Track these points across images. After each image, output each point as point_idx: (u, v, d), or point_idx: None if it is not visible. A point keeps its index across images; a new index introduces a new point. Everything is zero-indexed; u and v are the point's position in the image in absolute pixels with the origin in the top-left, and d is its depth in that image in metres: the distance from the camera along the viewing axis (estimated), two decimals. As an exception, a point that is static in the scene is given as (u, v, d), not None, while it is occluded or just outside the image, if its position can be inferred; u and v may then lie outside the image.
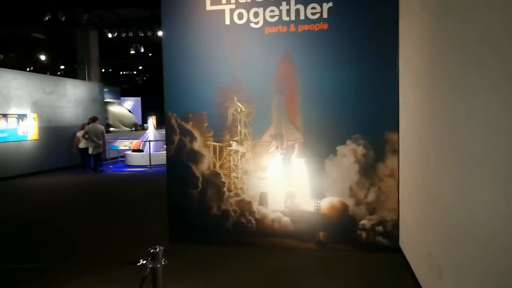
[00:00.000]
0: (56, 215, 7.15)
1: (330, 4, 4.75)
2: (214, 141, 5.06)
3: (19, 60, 21.48)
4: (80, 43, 15.47)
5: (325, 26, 4.77)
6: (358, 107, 4.66)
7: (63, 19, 12.47)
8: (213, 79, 5.03)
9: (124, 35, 13.88)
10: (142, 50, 15.14)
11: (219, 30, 5.02)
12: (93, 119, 12.46)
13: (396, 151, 4.63)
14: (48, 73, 21.25)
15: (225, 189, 5.04)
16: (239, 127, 4.97)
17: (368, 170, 4.68)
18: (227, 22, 5.00)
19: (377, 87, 4.64)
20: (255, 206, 4.97)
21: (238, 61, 4.96)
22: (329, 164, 4.74)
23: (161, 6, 5.17)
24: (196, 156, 5.11)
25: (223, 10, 5.01)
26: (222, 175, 5.04)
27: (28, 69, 21.50)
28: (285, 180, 4.86)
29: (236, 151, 4.99)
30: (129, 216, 7.03)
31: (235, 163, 5.01)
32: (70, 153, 13.93)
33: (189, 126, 5.10)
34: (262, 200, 4.95)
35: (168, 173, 5.26)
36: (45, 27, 15.83)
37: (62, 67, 22.49)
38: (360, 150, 4.67)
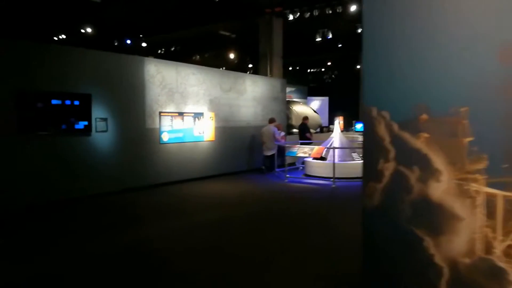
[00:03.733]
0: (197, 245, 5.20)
1: None
2: (488, 185, 1.99)
3: (213, 60, 21.89)
4: (262, 34, 14.01)
5: None
6: None
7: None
8: (491, 24, 1.96)
9: (308, 14, 11.54)
10: (330, 36, 12.60)
11: None
12: (269, 121, 12.16)
13: None
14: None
15: (517, 314, 1.91)
16: None
17: None
18: None
19: None
20: None
21: None
22: None
23: None
24: (436, 216, 2.13)
25: None
26: (509, 274, 1.92)
27: (221, 69, 21.79)
28: None
29: None
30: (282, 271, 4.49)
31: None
32: (247, 156, 12.56)
33: (419, 142, 2.16)
34: None
35: (366, 243, 2.44)
36: (230, 22, 15.01)
37: (250, 65, 22.12)
38: None
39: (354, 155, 11.87)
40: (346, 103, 28.29)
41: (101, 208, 7.77)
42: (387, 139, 2.21)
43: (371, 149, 2.29)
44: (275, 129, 12.14)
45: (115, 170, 8.99)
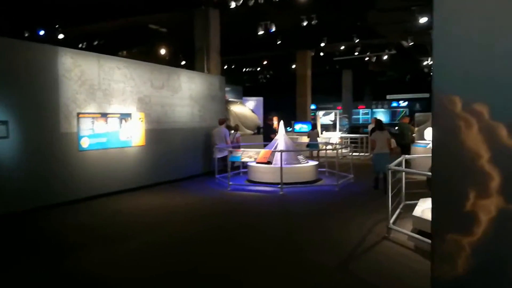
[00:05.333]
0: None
1: None
2: None
3: (141, 56, 20.11)
4: (198, 27, 12.72)
5: None
6: None
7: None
8: None
9: (252, 2, 10.38)
10: (274, 29, 11.60)
11: None
12: (219, 122, 11.71)
13: None
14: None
15: None
16: None
17: None
18: None
19: None
20: None
21: None
22: None
23: None
24: None
25: None
26: None
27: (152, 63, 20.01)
28: None
29: None
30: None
31: None
32: (185, 161, 11.25)
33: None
34: None
35: None
36: (161, 13, 13.54)
37: (183, 62, 20.65)
38: None
39: (300, 158, 11.08)
40: (281, 104, 27.91)
41: (8, 234, 6.07)
42: (484, 154, 1.21)
43: (449, 173, 1.27)
44: (226, 130, 11.55)
45: (23, 185, 7.25)
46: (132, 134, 9.63)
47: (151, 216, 7.23)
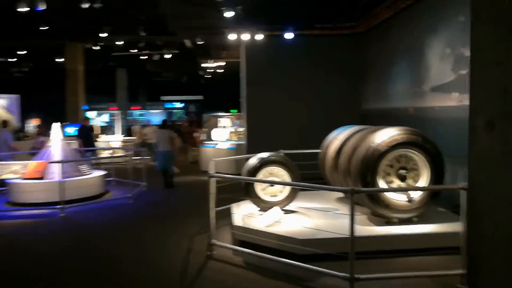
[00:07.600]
0: None
1: None
2: None
3: None
4: None
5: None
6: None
7: None
8: None
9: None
10: (44, 7, 8.84)
11: None
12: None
13: None
14: None
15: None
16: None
17: None
18: None
19: None
20: None
21: None
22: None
23: None
24: None
25: None
26: None
27: None
28: None
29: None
30: None
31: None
32: None
33: None
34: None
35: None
36: None
37: None
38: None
39: (83, 168, 9.14)
40: (45, 103, 23.99)
41: None
42: None
43: None
44: (7, 133, 10.14)
45: None
46: None
47: None
